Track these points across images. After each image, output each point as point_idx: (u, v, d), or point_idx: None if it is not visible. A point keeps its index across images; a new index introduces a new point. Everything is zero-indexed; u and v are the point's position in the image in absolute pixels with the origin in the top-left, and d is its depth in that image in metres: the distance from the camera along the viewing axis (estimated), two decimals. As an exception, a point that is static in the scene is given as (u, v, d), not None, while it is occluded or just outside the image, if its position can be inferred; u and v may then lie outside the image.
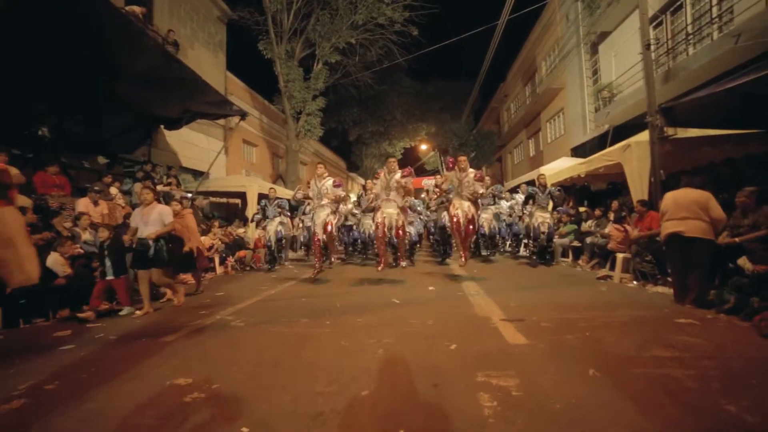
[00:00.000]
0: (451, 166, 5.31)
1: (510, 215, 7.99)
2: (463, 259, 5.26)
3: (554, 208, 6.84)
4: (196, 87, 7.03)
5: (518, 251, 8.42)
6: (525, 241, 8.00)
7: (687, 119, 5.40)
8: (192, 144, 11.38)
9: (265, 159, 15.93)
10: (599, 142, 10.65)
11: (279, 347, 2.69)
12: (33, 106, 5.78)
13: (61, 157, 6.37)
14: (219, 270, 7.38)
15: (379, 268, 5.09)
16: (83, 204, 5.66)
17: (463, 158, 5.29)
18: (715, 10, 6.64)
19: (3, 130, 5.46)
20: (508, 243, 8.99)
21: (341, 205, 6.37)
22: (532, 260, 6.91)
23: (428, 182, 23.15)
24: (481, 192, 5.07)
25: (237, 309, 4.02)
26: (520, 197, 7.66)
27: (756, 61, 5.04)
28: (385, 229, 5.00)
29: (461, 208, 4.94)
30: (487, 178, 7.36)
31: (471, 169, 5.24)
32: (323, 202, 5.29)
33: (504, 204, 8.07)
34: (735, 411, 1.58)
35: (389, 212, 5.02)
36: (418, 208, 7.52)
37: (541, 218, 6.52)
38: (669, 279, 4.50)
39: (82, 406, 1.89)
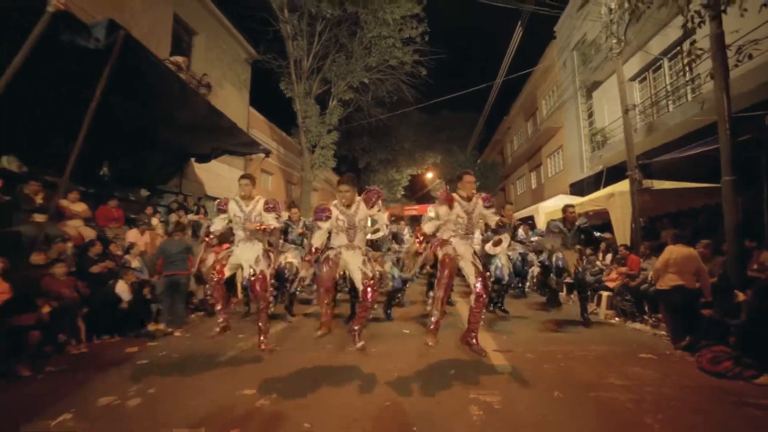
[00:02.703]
0: (444, 198, 3.47)
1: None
2: (474, 341, 3.53)
3: (586, 242, 5.45)
4: (232, 132, 8.05)
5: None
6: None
7: (661, 173, 6.17)
8: (216, 174, 12.37)
9: (279, 186, 16.93)
10: (595, 181, 11.43)
11: (313, 368, 3.35)
12: (101, 149, 6.73)
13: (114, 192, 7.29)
14: (240, 295, 8.05)
15: (319, 332, 3.49)
16: (133, 235, 6.50)
17: (470, 178, 3.53)
18: (689, 74, 7.55)
19: (75, 171, 6.39)
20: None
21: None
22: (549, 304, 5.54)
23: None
24: (494, 221, 3.63)
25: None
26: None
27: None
28: (337, 275, 3.45)
29: (465, 260, 3.38)
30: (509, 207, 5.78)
31: (479, 193, 3.64)
32: (253, 237, 3.74)
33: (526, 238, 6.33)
34: (650, 422, 2.24)
35: (354, 259, 3.46)
36: (405, 237, 6.14)
37: (568, 259, 5.12)
38: (647, 317, 5.13)
39: (179, 409, 2.58)
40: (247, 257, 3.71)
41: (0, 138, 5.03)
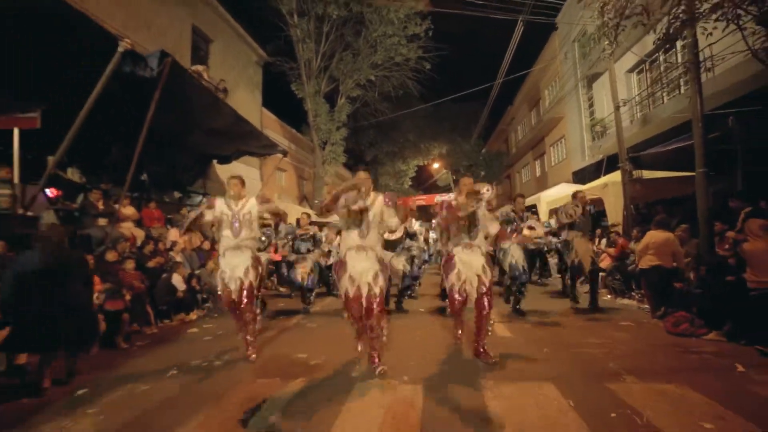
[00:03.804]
0: (443, 210, 3.36)
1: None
2: (482, 350, 3.27)
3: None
4: (253, 135, 8.77)
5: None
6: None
7: (651, 164, 6.74)
8: (234, 173, 13.17)
9: (292, 182, 17.70)
10: (596, 169, 11.95)
11: (349, 339, 4.11)
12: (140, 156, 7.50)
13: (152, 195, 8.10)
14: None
15: (360, 348, 3.50)
16: (173, 234, 7.31)
17: (466, 181, 3.43)
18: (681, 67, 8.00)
19: (122, 178, 7.19)
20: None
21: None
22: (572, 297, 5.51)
23: (440, 199, 24.68)
24: (494, 233, 3.54)
25: (303, 316, 5.50)
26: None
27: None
28: (362, 299, 3.03)
29: (472, 269, 3.24)
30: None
31: (484, 191, 3.15)
32: (242, 239, 3.55)
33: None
34: (612, 365, 2.95)
35: (363, 268, 3.05)
36: (421, 240, 5.94)
37: (583, 250, 5.14)
38: (634, 294, 5.79)
39: (252, 367, 3.35)
40: (235, 264, 3.52)
41: (67, 152, 5.79)
